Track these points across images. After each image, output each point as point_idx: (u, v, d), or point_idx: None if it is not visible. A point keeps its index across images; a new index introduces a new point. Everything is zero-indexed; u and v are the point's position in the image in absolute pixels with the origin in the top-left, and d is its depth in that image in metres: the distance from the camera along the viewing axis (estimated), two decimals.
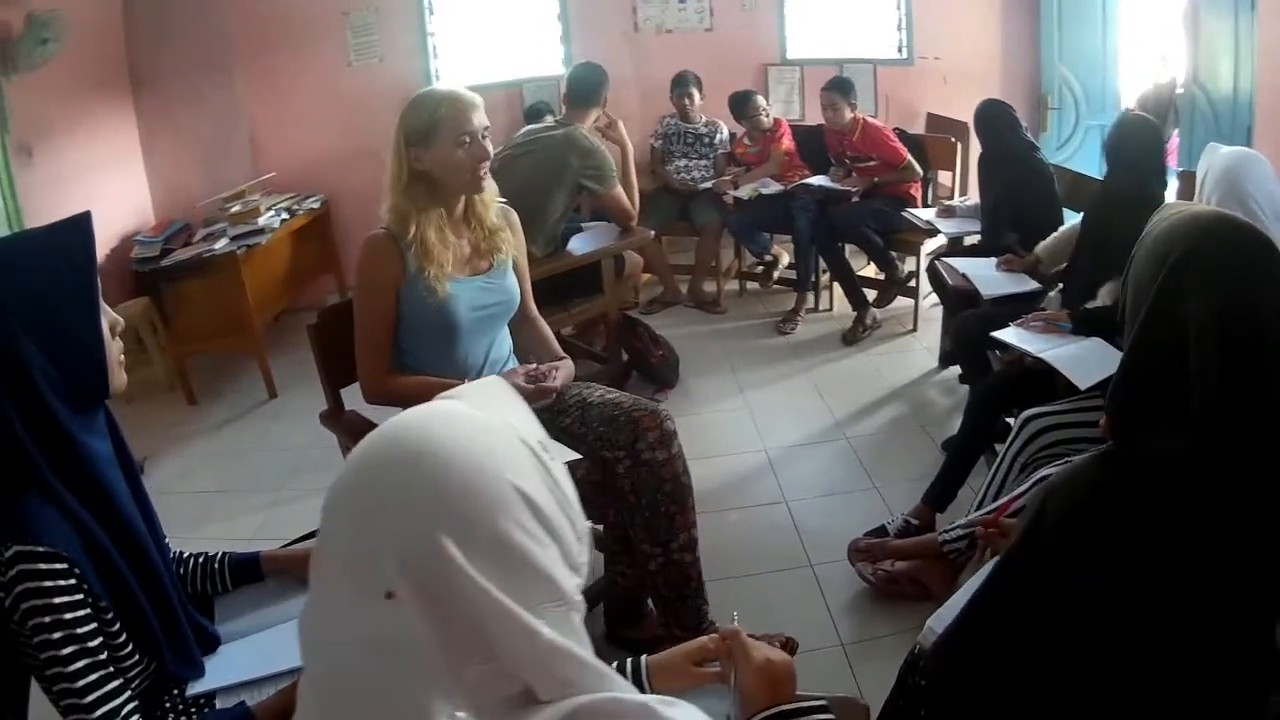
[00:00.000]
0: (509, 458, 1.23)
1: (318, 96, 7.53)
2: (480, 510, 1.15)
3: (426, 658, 1.12)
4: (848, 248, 6.98)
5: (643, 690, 1.88)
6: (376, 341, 3.37)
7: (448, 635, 1.12)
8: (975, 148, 6.52)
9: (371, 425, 3.22)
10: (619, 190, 5.45)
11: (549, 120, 5.86)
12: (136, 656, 2.02)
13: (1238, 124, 7.28)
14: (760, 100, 7.49)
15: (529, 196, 5.11)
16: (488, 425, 1.27)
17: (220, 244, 6.30)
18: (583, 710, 1.19)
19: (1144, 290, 1.73)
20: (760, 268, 7.79)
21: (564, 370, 3.53)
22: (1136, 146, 4.24)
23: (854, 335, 6.69)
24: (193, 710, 2.11)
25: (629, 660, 1.94)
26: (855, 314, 6.79)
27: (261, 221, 6.65)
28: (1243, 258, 1.66)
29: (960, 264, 5.30)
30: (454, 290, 3.30)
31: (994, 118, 5.79)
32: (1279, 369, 1.61)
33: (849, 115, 7.01)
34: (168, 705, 2.11)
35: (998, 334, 4.10)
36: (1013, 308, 4.40)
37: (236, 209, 6.70)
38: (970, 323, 4.65)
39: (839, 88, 7.02)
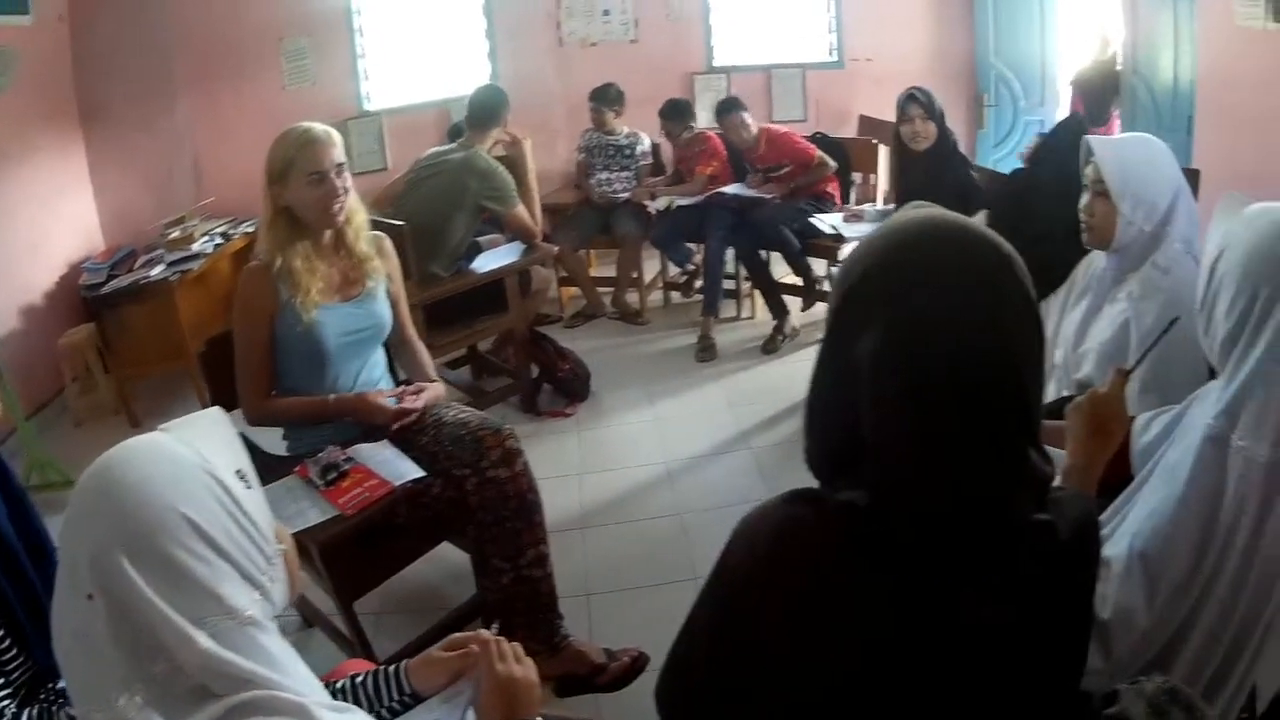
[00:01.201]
0: (183, 489, 1.43)
1: (256, 121, 7.46)
2: (148, 532, 1.36)
3: (111, 651, 1.34)
4: (770, 255, 6.94)
5: (401, 689, 1.98)
6: (254, 367, 3.49)
7: (130, 635, 1.34)
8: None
9: (256, 448, 3.26)
10: (520, 209, 5.52)
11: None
12: (15, 651, 2.20)
13: (1178, 114, 7.27)
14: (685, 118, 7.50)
15: (431, 219, 5.25)
16: (173, 457, 1.47)
17: (156, 270, 6.33)
18: (242, 705, 1.39)
19: (829, 314, 1.48)
20: (684, 278, 7.77)
21: (429, 393, 3.66)
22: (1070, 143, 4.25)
23: (773, 344, 6.66)
24: (61, 700, 2.22)
25: (396, 664, 2.02)
26: (775, 322, 6.77)
27: (195, 247, 6.69)
28: (953, 275, 1.35)
29: None
30: (321, 317, 3.42)
31: (934, 101, 5.69)
32: (967, 430, 1.35)
33: (753, 130, 7.01)
34: (42, 697, 2.23)
35: None
36: None
37: (175, 235, 6.75)
38: None
39: (723, 111, 7.04)
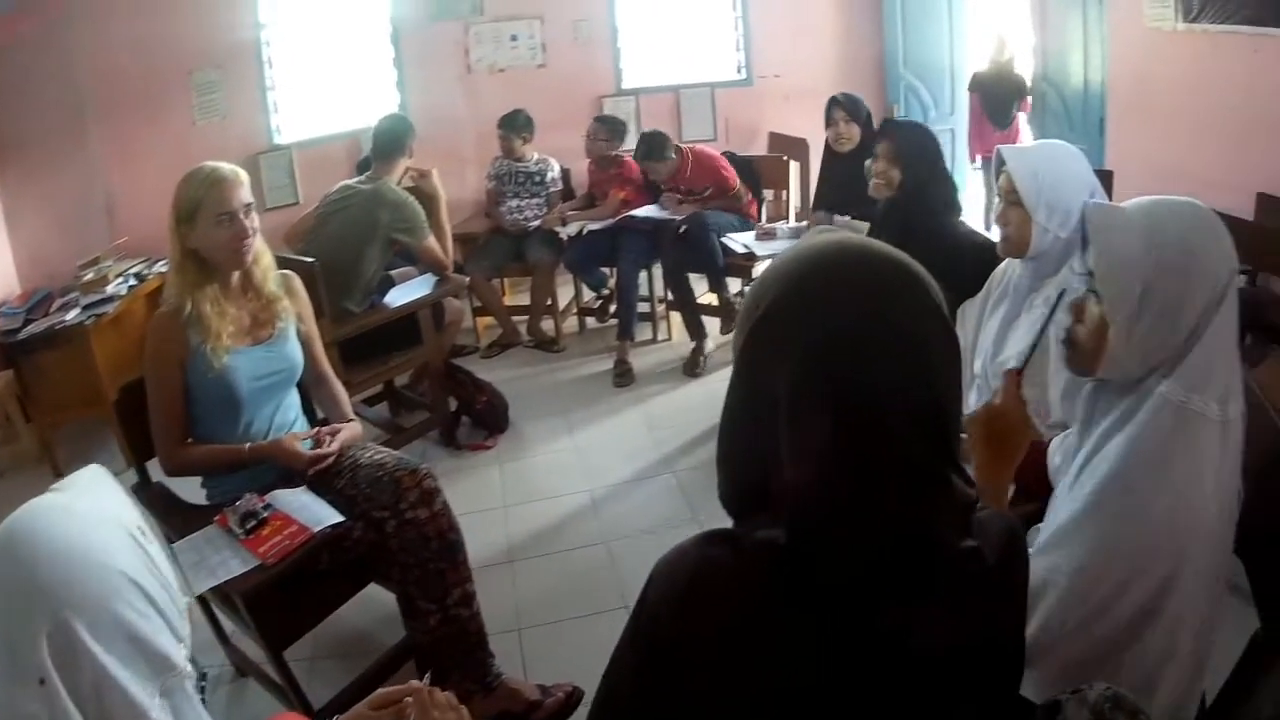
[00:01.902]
0: (117, 548, 1.42)
1: (167, 157, 7.23)
2: (100, 598, 1.34)
3: None
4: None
5: None
6: (168, 416, 3.42)
7: (85, 713, 1.30)
8: (814, 164, 6.70)
9: (175, 498, 3.19)
10: (431, 241, 5.46)
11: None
12: None
13: (1089, 117, 7.45)
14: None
15: (342, 253, 5.18)
16: (95, 519, 1.45)
17: (71, 314, 6.17)
18: None
19: (739, 348, 1.43)
20: (598, 302, 7.77)
21: (345, 433, 3.63)
22: (913, 150, 4.33)
23: (694, 366, 6.64)
24: None
25: None
26: (694, 344, 6.74)
27: (110, 289, 6.51)
28: (864, 299, 1.32)
29: None
30: (233, 361, 3.37)
31: (859, 105, 5.86)
32: (891, 455, 1.31)
33: (670, 166, 7.03)
34: None
35: None
36: None
37: (89, 277, 6.56)
38: None
39: (655, 156, 7.06)
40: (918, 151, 4.31)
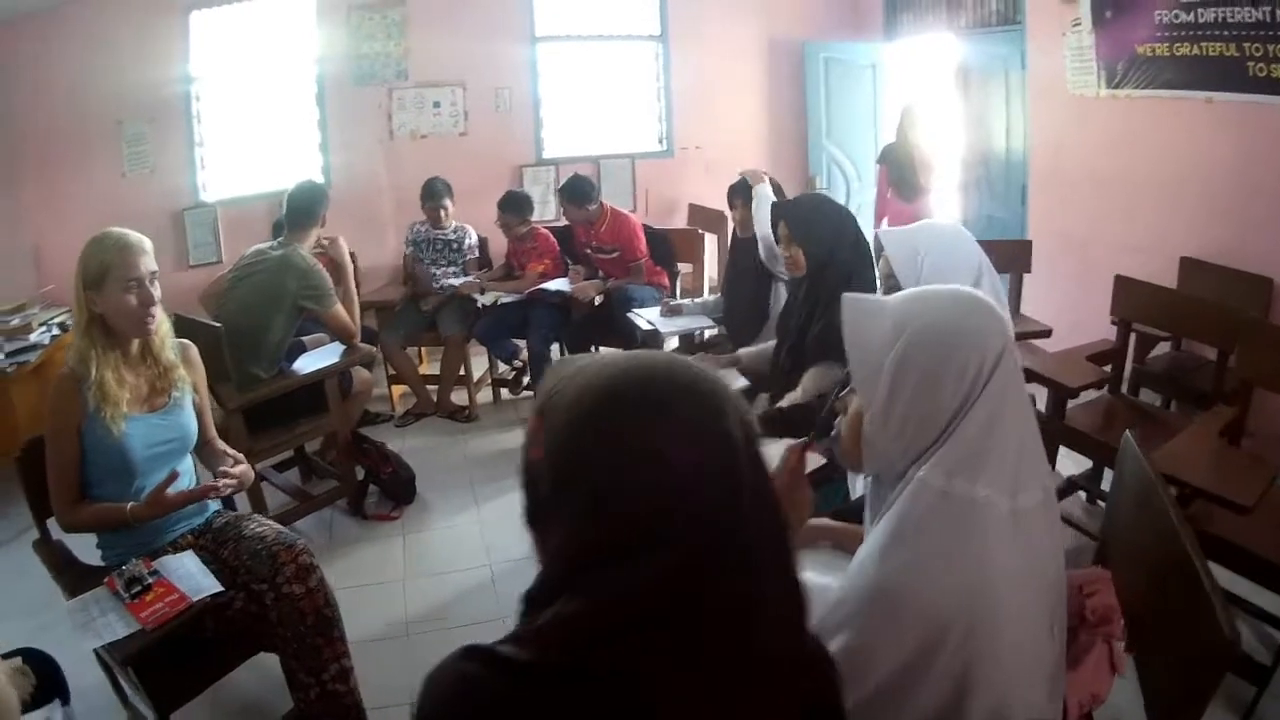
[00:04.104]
0: None
1: (96, 207, 7.25)
2: None
3: None
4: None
5: None
6: (64, 476, 3.41)
7: None
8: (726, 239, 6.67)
9: (72, 557, 3.18)
10: (339, 309, 5.47)
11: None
12: None
13: (1011, 186, 7.55)
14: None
15: (250, 319, 5.19)
16: None
17: None
18: None
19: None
20: (511, 374, 7.79)
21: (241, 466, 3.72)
22: (803, 228, 4.21)
23: None
24: None
25: None
26: None
27: (33, 338, 6.44)
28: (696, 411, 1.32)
29: None
30: (130, 429, 3.38)
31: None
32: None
33: (586, 215, 7.14)
34: None
35: None
36: None
37: (14, 323, 6.49)
38: None
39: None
40: (807, 228, 4.17)
